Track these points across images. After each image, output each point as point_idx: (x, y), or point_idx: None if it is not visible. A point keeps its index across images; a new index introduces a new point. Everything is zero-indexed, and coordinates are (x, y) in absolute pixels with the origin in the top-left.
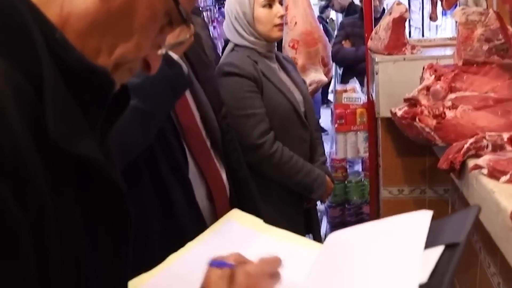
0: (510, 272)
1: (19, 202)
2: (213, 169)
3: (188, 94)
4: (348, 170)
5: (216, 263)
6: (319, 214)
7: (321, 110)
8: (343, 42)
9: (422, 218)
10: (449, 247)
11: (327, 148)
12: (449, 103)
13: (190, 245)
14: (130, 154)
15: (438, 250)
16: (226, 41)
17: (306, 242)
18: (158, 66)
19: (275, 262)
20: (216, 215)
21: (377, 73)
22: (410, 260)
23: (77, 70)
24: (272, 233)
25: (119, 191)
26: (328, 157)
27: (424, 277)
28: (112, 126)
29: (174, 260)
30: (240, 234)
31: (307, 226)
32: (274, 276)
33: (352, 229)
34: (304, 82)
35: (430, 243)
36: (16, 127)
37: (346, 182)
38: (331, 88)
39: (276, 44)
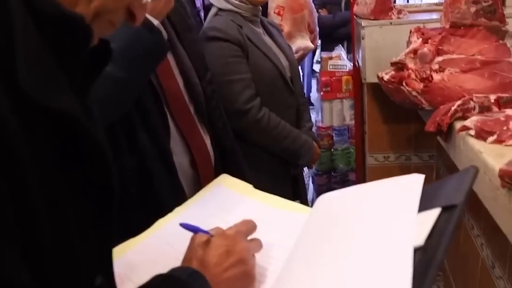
0: (493, 233)
1: None
2: (197, 136)
3: (171, 58)
4: (334, 138)
5: (186, 226)
6: (305, 180)
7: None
8: (320, 10)
9: (414, 181)
10: (447, 210)
11: (313, 116)
12: (436, 66)
13: (178, 210)
14: (105, 122)
15: (434, 212)
16: (208, 7)
17: (295, 206)
18: (143, 17)
19: (249, 222)
20: (200, 184)
21: (363, 38)
22: (404, 222)
23: (51, 16)
24: (262, 198)
25: (103, 152)
26: (314, 125)
27: (421, 240)
28: (92, 84)
29: (163, 225)
30: (229, 199)
31: (294, 193)
32: (251, 237)
33: (343, 192)
34: (290, 47)
35: (426, 206)
36: None
37: (332, 150)
38: (315, 58)
39: (261, 8)
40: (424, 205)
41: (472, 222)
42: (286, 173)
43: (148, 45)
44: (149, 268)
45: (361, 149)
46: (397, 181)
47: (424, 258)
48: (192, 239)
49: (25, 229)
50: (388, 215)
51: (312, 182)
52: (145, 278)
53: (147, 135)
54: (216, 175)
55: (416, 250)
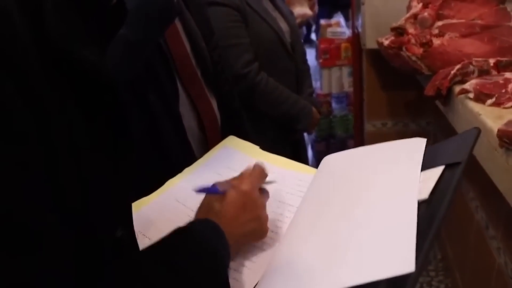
0: (488, 196)
1: (18, 91)
2: (204, 99)
3: (178, 23)
4: (332, 105)
5: (201, 189)
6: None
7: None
8: None
9: (417, 142)
10: (450, 167)
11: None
12: (436, 31)
13: (187, 170)
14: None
15: (439, 169)
16: None
17: (302, 167)
18: None
19: (262, 173)
20: (208, 146)
21: (363, 4)
22: (408, 178)
23: None
24: (269, 159)
25: (122, 102)
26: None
27: (425, 194)
28: (110, 42)
29: (173, 184)
30: (237, 159)
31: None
32: (262, 191)
33: (348, 152)
34: (291, 12)
35: (430, 164)
36: (19, 29)
37: (331, 116)
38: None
39: None
40: (428, 164)
41: (468, 185)
42: (286, 138)
43: (159, 5)
44: (162, 225)
45: (359, 116)
46: (401, 142)
47: (428, 211)
48: (205, 197)
49: (49, 171)
50: (393, 172)
51: (311, 149)
52: (158, 235)
53: (157, 98)
54: (223, 137)
55: (421, 203)
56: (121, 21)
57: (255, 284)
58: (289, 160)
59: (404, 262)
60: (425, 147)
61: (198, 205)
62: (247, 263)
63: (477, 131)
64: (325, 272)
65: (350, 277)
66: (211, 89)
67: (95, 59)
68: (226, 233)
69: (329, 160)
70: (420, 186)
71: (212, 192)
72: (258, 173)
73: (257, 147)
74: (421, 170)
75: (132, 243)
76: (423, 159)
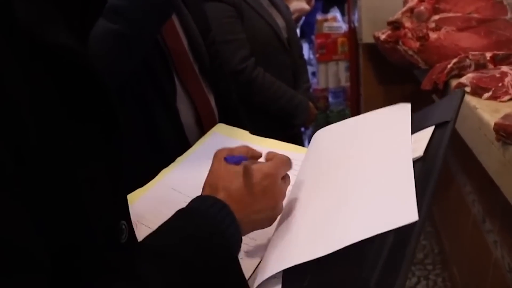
0: (485, 190)
1: None
2: (202, 94)
3: (175, 18)
4: (329, 100)
5: (231, 159)
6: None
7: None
8: None
9: (402, 107)
10: (440, 127)
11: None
12: (432, 25)
13: (180, 159)
14: (114, 82)
15: (429, 129)
16: None
17: (293, 147)
18: None
19: (288, 161)
20: None
21: None
22: (400, 139)
23: None
24: (260, 142)
25: (106, 91)
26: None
27: (420, 152)
28: (91, 27)
29: (166, 174)
30: (227, 145)
31: None
32: (285, 177)
33: (337, 125)
34: (287, 7)
35: (420, 126)
36: None
37: (328, 111)
38: None
39: None
40: (418, 126)
41: (465, 179)
42: (283, 132)
43: (155, 2)
44: (160, 213)
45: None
46: (387, 109)
47: (424, 167)
48: (221, 162)
49: (27, 175)
50: (385, 136)
51: (308, 144)
52: (157, 222)
53: (155, 94)
54: None
55: (417, 161)
56: (102, 5)
57: (258, 263)
58: (280, 142)
59: (407, 212)
60: (414, 112)
61: (194, 191)
62: (248, 240)
63: (462, 92)
64: (332, 231)
65: (357, 232)
66: (209, 85)
67: (74, 45)
68: (240, 218)
69: (319, 134)
70: (414, 146)
71: (239, 161)
72: (285, 161)
73: (246, 132)
74: (413, 133)
75: (131, 235)
76: (413, 123)
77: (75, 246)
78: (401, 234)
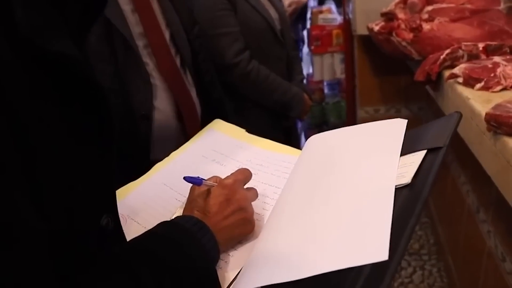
0: (479, 180)
1: None
2: (182, 87)
3: (157, 12)
4: (325, 92)
5: (190, 179)
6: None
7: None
8: None
9: (398, 124)
10: (432, 151)
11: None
12: (425, 16)
13: (174, 154)
14: None
15: (420, 154)
16: None
17: (287, 149)
18: None
19: (246, 171)
20: (187, 134)
21: None
22: (388, 164)
23: None
24: (254, 141)
25: (101, 94)
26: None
27: (408, 178)
28: (89, 32)
29: (160, 169)
30: (223, 142)
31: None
32: (248, 185)
33: (331, 133)
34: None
35: (412, 148)
36: None
37: (323, 103)
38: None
39: None
40: (410, 147)
41: (460, 170)
42: (278, 125)
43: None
44: (150, 209)
45: (352, 102)
46: (384, 123)
47: (411, 194)
48: (192, 190)
49: (26, 169)
50: (373, 156)
51: (305, 136)
52: (147, 218)
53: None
54: (202, 126)
55: (404, 187)
56: (100, 10)
57: (237, 272)
58: (274, 142)
59: (378, 251)
60: (408, 130)
61: (185, 188)
62: (231, 251)
63: (459, 115)
64: (302, 259)
65: (325, 264)
66: (192, 77)
67: (72, 52)
68: (211, 227)
69: (313, 141)
70: (403, 170)
71: (195, 183)
72: (243, 171)
73: (243, 130)
74: (404, 154)
75: (117, 230)
76: (406, 143)
77: (61, 232)
78: (378, 266)
